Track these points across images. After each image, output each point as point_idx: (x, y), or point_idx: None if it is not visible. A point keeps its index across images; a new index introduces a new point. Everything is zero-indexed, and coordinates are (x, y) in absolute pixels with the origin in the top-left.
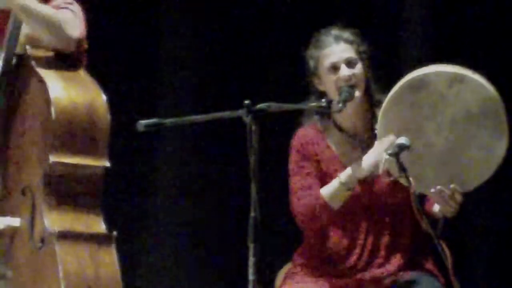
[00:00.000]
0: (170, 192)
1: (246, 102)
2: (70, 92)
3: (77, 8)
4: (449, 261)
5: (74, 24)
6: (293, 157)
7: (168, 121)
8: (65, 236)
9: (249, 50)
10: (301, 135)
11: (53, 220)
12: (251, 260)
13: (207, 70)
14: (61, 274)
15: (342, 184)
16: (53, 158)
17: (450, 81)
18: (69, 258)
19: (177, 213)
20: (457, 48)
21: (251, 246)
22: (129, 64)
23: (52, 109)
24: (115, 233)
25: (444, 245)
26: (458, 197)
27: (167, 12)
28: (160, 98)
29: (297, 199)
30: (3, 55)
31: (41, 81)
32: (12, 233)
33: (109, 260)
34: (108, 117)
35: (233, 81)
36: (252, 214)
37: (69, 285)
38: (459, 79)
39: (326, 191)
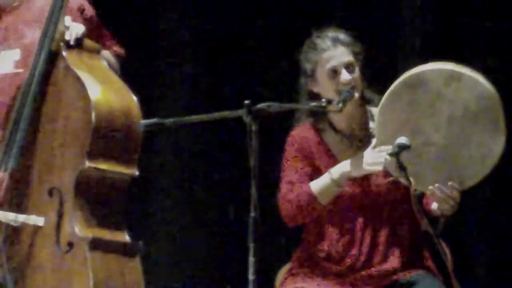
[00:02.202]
0: (170, 192)
1: (246, 102)
2: (108, 96)
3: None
4: (449, 261)
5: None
6: (287, 152)
7: (168, 121)
8: (97, 243)
9: (248, 49)
10: (298, 133)
11: (83, 225)
12: (251, 260)
13: (207, 70)
14: (91, 282)
15: (334, 181)
16: (89, 163)
17: (447, 79)
18: (99, 265)
19: (177, 213)
20: (457, 48)
21: (251, 246)
22: (129, 64)
23: (93, 114)
24: (141, 243)
25: (444, 245)
26: (456, 195)
27: (167, 12)
28: (160, 98)
29: (285, 192)
30: (17, 58)
31: (80, 83)
32: (33, 233)
33: (134, 268)
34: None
35: (233, 81)
36: (252, 214)
37: None
38: (457, 76)
39: (315, 185)
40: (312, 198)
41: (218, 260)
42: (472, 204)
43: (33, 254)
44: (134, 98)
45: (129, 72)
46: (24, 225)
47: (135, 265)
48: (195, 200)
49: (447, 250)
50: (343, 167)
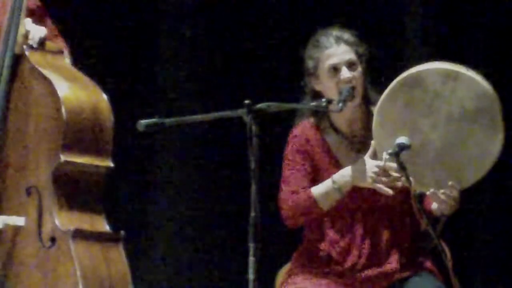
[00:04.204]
0: (170, 192)
1: (246, 102)
2: (76, 92)
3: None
4: (449, 261)
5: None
6: (289, 150)
7: (168, 121)
8: (79, 234)
9: (249, 50)
10: (299, 131)
11: (64, 219)
12: (251, 260)
13: (207, 70)
14: (78, 273)
15: (336, 188)
16: (64, 157)
17: (444, 78)
18: (84, 256)
19: (177, 213)
20: (458, 49)
21: (251, 246)
22: (129, 64)
23: (63, 109)
24: (122, 232)
25: (444, 245)
26: (456, 195)
27: (167, 12)
28: (160, 98)
29: (286, 193)
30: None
31: (48, 81)
32: (14, 233)
33: (119, 258)
34: (111, 116)
35: (233, 81)
36: (252, 214)
37: (86, 283)
38: (454, 76)
39: (317, 191)
40: (312, 203)
41: (218, 260)
42: (473, 204)
43: (16, 254)
44: (102, 93)
45: (129, 72)
46: (5, 226)
47: (119, 253)
48: (194, 200)
49: (447, 250)
50: (346, 175)
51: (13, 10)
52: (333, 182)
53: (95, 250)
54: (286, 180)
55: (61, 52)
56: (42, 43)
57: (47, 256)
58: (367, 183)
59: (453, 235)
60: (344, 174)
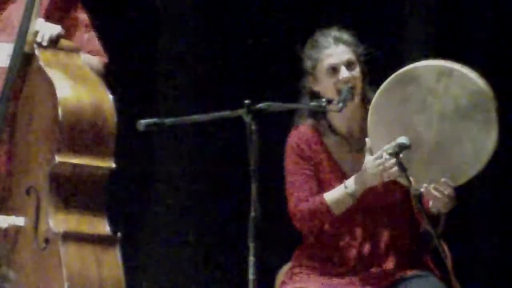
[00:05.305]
0: (170, 192)
1: (246, 101)
2: (77, 92)
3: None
4: (449, 261)
5: (103, 54)
6: (290, 156)
7: (168, 121)
8: (69, 237)
9: (249, 50)
10: (297, 134)
11: (58, 221)
12: (251, 260)
13: (207, 70)
14: (64, 275)
15: (350, 195)
16: (59, 158)
17: (438, 75)
18: (73, 259)
19: (177, 213)
20: (458, 49)
21: (251, 246)
22: (129, 64)
23: (59, 110)
24: (119, 234)
25: (444, 245)
26: (450, 192)
27: (167, 12)
28: (160, 98)
29: (296, 201)
30: (11, 52)
31: (49, 81)
32: (15, 232)
33: (113, 261)
34: (115, 117)
35: (233, 81)
36: (252, 214)
37: (72, 286)
38: (447, 72)
39: (330, 197)
40: (326, 209)
41: (218, 260)
42: (473, 203)
43: (17, 254)
44: (108, 94)
45: (129, 72)
46: (8, 226)
47: (114, 256)
48: (194, 200)
49: (447, 250)
50: (358, 180)
51: (26, 8)
52: (346, 187)
53: (87, 253)
54: (292, 188)
55: (76, 50)
56: (54, 41)
57: (41, 258)
58: (380, 179)
59: (453, 235)
60: (355, 180)
